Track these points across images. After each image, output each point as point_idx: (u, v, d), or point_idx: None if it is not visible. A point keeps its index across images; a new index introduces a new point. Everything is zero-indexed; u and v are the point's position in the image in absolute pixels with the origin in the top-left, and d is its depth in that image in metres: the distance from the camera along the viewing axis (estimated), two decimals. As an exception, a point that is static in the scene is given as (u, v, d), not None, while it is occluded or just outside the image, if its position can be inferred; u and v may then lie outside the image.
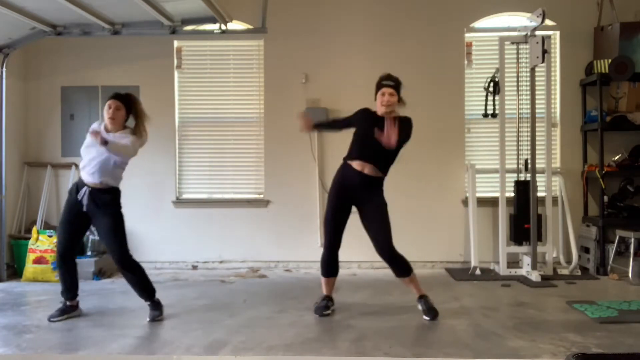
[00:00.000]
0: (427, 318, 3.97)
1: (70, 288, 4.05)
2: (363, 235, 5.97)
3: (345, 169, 4.07)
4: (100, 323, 3.93)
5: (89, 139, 3.90)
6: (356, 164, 3.99)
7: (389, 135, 3.71)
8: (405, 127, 3.94)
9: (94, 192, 3.87)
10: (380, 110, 4.04)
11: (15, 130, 5.85)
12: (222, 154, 6.09)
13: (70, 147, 6.02)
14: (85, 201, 3.86)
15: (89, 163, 3.88)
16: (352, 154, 4.06)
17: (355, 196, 4.04)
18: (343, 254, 5.90)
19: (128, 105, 3.98)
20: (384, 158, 3.98)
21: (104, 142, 3.65)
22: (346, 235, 5.90)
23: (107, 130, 3.92)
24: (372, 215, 4.03)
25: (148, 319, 3.97)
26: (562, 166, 5.91)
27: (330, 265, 4.16)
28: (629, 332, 3.60)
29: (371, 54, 5.91)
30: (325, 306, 4.13)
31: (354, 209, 4.11)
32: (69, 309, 4.05)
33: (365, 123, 4.03)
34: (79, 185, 3.93)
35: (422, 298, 4.08)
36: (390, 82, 4.03)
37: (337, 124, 4.38)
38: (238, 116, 6.08)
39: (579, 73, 5.87)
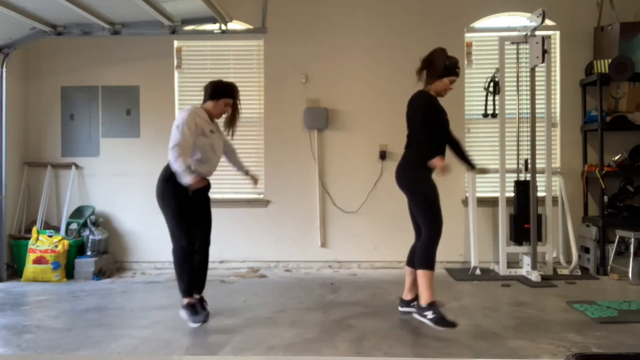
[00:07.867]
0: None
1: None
2: (363, 236, 5.99)
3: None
4: (100, 323, 3.93)
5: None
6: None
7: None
8: None
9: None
10: (440, 94, 3.97)
11: (15, 130, 5.84)
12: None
13: (70, 147, 6.03)
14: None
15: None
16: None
17: None
18: (343, 254, 5.97)
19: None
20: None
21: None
22: (346, 235, 5.96)
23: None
24: None
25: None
26: (562, 166, 5.91)
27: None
28: (629, 332, 3.60)
29: (371, 53, 5.91)
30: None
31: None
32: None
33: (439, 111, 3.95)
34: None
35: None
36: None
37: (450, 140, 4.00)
38: (238, 116, 6.07)
39: (579, 73, 5.87)
